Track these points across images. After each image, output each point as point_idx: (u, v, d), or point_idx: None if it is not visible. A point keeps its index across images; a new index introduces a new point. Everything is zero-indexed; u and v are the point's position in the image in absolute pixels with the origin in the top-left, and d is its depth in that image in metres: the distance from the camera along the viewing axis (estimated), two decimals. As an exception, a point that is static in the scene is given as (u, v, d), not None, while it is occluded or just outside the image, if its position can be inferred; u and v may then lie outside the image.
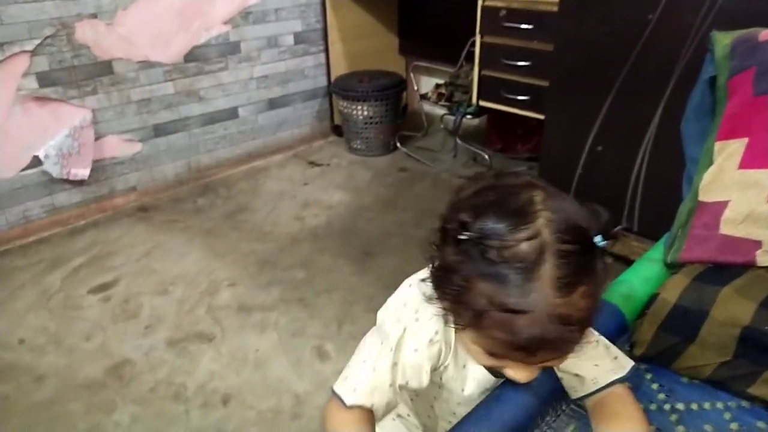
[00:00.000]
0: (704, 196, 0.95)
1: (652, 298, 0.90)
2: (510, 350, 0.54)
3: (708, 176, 0.96)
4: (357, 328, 1.71)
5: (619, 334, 0.92)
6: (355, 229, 2.28)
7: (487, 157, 2.74)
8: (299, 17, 2.82)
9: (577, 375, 0.73)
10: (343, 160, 2.93)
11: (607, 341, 0.75)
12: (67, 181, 2.29)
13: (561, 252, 0.51)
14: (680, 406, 0.81)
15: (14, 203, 2.20)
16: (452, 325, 0.61)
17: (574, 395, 0.76)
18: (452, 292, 0.56)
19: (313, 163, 2.90)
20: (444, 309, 0.60)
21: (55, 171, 2.21)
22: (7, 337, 1.71)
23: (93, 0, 2.16)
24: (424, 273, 0.67)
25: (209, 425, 1.42)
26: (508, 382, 0.77)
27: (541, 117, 2.19)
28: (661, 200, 1.31)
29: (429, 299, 0.62)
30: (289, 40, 2.83)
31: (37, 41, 2.07)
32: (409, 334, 0.65)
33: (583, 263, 0.52)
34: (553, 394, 0.79)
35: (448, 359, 0.69)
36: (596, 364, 0.72)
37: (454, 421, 0.78)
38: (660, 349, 0.86)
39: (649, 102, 1.77)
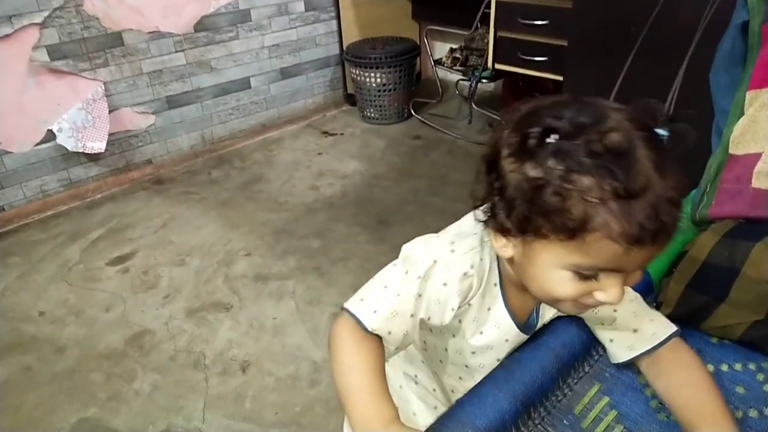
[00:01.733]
0: (735, 149, 0.90)
1: (680, 256, 0.86)
2: (624, 243, 0.51)
3: (739, 128, 0.91)
4: (374, 295, 1.70)
5: (646, 293, 0.88)
6: (370, 198, 2.26)
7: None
8: (309, -18, 2.76)
9: (635, 330, 0.71)
10: (357, 129, 2.89)
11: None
12: (83, 154, 2.29)
13: (645, 137, 0.51)
14: (710, 367, 0.78)
15: (31, 177, 2.21)
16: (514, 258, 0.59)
17: (628, 355, 0.72)
18: (548, 206, 0.51)
19: (326, 133, 2.87)
20: (523, 239, 0.56)
21: (69, 144, 2.21)
22: (28, 309, 1.73)
23: (100, -31, 2.13)
24: (470, 220, 0.65)
25: (229, 392, 1.42)
26: (528, 343, 0.75)
27: (560, 78, 2.12)
28: (685, 158, 1.26)
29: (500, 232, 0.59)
30: (300, 6, 2.77)
31: (46, 13, 2.04)
32: (441, 266, 0.62)
33: (663, 149, 0.52)
34: (574, 356, 0.76)
35: (475, 298, 0.66)
36: (651, 319, 0.71)
37: (465, 376, 0.76)
38: (688, 308, 0.83)
39: (673, 58, 1.69)
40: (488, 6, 2.32)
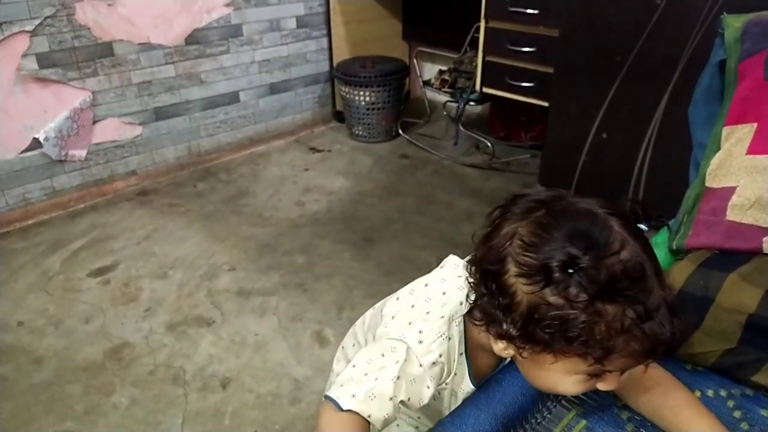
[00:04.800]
0: (711, 182, 0.94)
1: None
2: (641, 359, 0.54)
3: (715, 162, 0.94)
4: (356, 313, 1.70)
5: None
6: (356, 215, 2.27)
7: (489, 144, 2.72)
8: (302, 0, 2.79)
9: None
10: (345, 146, 2.91)
11: None
12: (67, 163, 2.28)
13: (644, 247, 0.54)
14: (683, 393, 0.80)
15: (14, 185, 2.18)
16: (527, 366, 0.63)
17: None
18: (575, 337, 0.52)
19: (314, 149, 2.89)
20: (533, 349, 0.58)
21: (53, 153, 2.20)
22: (6, 318, 1.71)
23: (93, -20, 2.14)
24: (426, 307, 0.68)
25: (208, 408, 1.41)
26: (509, 366, 0.77)
27: (545, 104, 2.17)
28: (665, 187, 1.31)
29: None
30: (292, 23, 2.80)
31: (37, 21, 2.04)
32: (413, 352, 0.65)
33: (654, 254, 0.55)
34: (554, 379, 0.78)
35: (449, 378, 0.70)
36: None
37: None
38: (663, 335, 0.85)
39: (656, 88, 1.75)
40: (477, 31, 2.36)
